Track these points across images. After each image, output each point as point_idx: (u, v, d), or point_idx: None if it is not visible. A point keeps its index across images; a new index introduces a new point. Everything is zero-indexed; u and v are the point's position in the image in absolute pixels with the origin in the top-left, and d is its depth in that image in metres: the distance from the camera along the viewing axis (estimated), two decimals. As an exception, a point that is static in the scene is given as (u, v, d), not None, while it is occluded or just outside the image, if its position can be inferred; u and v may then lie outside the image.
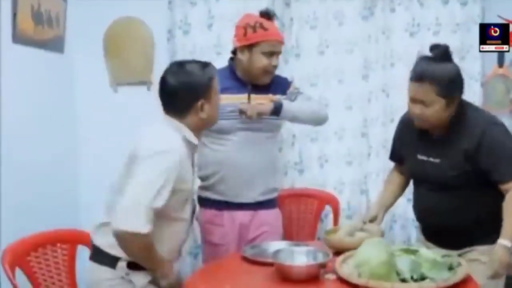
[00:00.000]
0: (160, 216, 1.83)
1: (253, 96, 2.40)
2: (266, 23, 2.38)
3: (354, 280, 1.78)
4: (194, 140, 1.95)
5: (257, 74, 2.41)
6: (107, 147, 3.11)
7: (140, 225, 1.75)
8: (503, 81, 3.30)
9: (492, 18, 3.23)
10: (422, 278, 1.80)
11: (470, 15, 3.27)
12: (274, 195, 2.55)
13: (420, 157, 2.17)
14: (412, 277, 1.79)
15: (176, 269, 2.02)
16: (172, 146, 1.85)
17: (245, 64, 2.41)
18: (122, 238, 1.78)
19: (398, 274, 1.81)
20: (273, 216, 2.54)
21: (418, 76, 2.03)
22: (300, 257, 2.01)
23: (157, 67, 3.37)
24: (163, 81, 1.96)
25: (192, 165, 2.01)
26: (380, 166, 3.37)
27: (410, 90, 2.08)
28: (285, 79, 2.62)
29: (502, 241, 1.94)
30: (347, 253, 2.02)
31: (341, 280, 1.84)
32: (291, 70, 3.30)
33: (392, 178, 2.47)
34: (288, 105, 2.41)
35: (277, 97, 2.46)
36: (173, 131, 1.91)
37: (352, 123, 3.32)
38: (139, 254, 1.85)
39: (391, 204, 2.45)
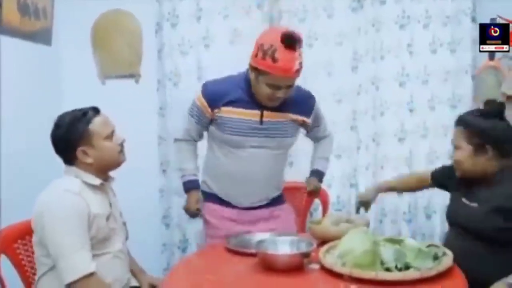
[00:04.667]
0: None
1: (266, 113, 2.25)
2: (280, 52, 2.05)
3: (338, 269, 1.76)
4: (94, 181, 1.97)
5: (262, 99, 2.22)
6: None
7: (86, 266, 1.81)
8: (494, 73, 3.27)
9: (483, 11, 3.24)
10: (407, 267, 1.78)
11: (460, 7, 3.26)
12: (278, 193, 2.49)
13: (464, 201, 2.11)
14: (396, 266, 1.78)
15: None
16: (63, 194, 1.87)
17: (252, 84, 2.23)
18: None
19: (382, 263, 1.79)
20: (282, 211, 2.49)
21: (457, 121, 2.13)
22: (283, 247, 1.98)
23: (145, 59, 3.37)
24: None
25: (111, 204, 2.05)
26: (370, 160, 3.36)
27: None
28: (308, 98, 2.40)
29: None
30: (331, 243, 2.00)
31: (325, 269, 1.82)
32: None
33: (415, 175, 2.54)
34: (324, 169, 2.60)
35: (296, 117, 2.33)
36: (73, 177, 1.96)
37: (341, 116, 3.30)
38: None
39: (394, 187, 2.57)
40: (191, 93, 3.30)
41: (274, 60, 2.05)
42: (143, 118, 3.30)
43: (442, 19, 3.28)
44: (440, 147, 3.32)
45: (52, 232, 1.82)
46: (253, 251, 1.96)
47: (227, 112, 2.26)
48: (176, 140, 2.49)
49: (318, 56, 3.29)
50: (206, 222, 2.45)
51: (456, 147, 2.10)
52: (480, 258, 1.95)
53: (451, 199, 2.24)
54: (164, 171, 3.39)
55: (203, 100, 2.30)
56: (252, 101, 2.25)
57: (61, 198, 1.86)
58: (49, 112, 3.08)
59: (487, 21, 3.18)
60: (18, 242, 2.07)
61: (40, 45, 3.05)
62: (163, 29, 3.29)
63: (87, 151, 1.95)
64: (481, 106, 3.07)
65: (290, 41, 2.05)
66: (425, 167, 3.35)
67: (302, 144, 3.35)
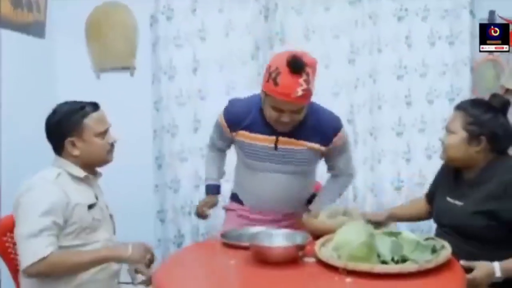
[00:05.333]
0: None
1: (282, 139, 2.19)
2: (283, 76, 2.00)
3: (333, 262, 1.72)
4: (78, 173, 1.99)
5: (270, 122, 2.16)
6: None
7: (39, 252, 1.80)
8: (493, 66, 3.26)
9: (481, 4, 3.22)
10: (404, 260, 1.75)
11: (459, 0, 3.22)
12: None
13: (449, 199, 2.10)
14: (393, 259, 1.74)
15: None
16: (36, 183, 1.91)
17: (262, 106, 2.18)
18: (39, 272, 1.82)
19: (379, 256, 1.76)
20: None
21: (457, 106, 2.11)
22: (278, 240, 1.95)
23: (140, 52, 3.35)
24: None
25: (97, 197, 2.05)
26: (367, 154, 3.33)
27: None
28: (329, 125, 2.25)
29: (497, 269, 1.84)
30: (326, 237, 1.96)
31: (320, 262, 1.78)
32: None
33: (415, 202, 2.45)
34: (321, 203, 2.35)
35: (313, 145, 2.22)
36: (56, 167, 1.98)
37: (338, 110, 3.21)
38: (66, 269, 1.87)
39: (400, 216, 2.40)
40: (186, 86, 3.31)
41: (275, 83, 2.02)
42: (138, 112, 3.27)
43: (440, 12, 3.25)
44: (438, 141, 3.27)
45: (18, 220, 1.87)
46: (247, 244, 1.92)
47: (243, 136, 2.24)
48: (207, 146, 2.55)
49: (315, 49, 3.22)
50: (228, 210, 2.47)
51: (450, 132, 2.07)
52: (467, 256, 1.90)
53: (436, 200, 2.22)
54: (159, 165, 3.36)
55: (223, 122, 2.29)
56: (268, 125, 2.19)
57: (33, 186, 1.88)
58: (43, 105, 3.06)
59: (486, 14, 3.17)
60: (7, 235, 2.04)
61: (34, 38, 3.02)
62: (158, 22, 3.27)
63: (76, 143, 1.97)
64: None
65: (295, 66, 2.00)
66: (423, 161, 3.32)
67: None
